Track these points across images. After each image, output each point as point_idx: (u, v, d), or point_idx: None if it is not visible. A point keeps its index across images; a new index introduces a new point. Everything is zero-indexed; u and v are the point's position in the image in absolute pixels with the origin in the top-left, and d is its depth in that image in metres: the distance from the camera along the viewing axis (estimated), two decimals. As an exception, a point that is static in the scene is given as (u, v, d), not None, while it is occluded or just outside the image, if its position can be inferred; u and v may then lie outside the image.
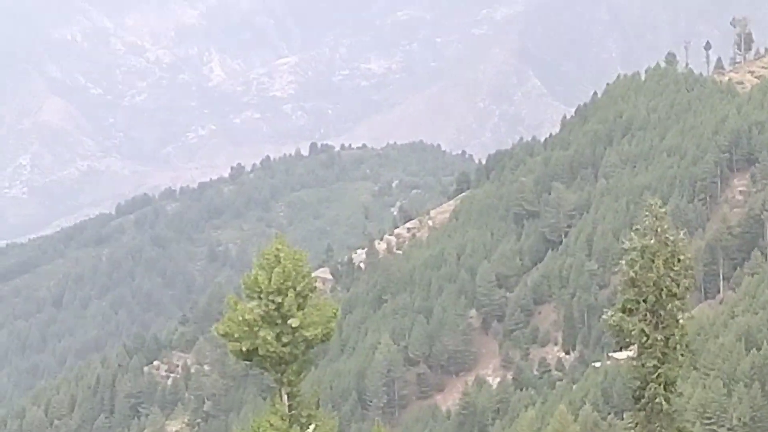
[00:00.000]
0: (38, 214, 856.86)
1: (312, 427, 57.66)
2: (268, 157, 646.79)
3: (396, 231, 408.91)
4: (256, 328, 55.79)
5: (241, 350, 55.76)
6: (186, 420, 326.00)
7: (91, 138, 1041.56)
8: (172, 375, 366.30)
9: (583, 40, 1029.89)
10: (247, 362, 57.68)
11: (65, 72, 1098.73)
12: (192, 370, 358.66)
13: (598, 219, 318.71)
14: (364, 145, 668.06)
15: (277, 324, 55.74)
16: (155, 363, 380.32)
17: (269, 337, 54.96)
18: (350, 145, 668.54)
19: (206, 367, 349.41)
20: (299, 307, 56.48)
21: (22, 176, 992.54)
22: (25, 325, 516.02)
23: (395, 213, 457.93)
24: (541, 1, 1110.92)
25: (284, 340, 56.09)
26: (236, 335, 55.90)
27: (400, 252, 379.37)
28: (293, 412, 58.18)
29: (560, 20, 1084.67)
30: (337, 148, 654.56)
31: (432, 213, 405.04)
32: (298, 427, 57.46)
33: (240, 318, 56.68)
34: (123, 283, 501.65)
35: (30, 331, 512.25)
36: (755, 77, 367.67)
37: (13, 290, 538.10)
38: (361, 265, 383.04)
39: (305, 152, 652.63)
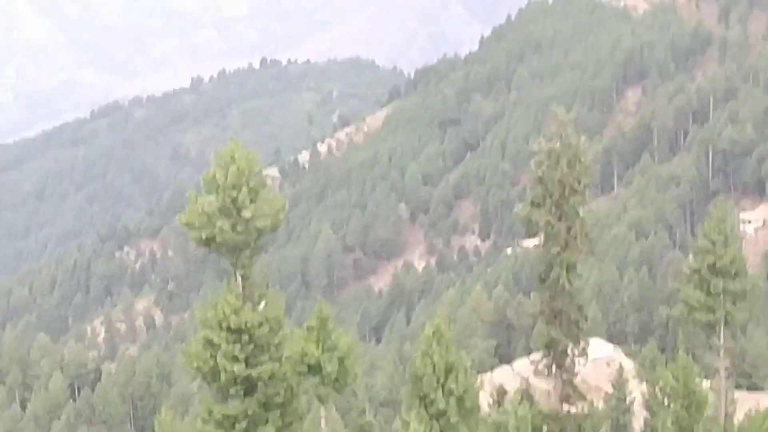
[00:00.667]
0: (22, 118, 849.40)
1: (263, 303, 58.25)
2: (224, 70, 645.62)
3: (336, 135, 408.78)
4: (214, 219, 56.48)
5: (200, 238, 56.52)
6: (152, 298, 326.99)
7: (69, 52, 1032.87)
8: (140, 259, 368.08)
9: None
10: (206, 248, 58.42)
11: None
12: (157, 255, 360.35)
13: (510, 126, 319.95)
14: (309, 61, 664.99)
15: (232, 215, 56.37)
16: (125, 249, 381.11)
17: (225, 227, 55.77)
18: (296, 60, 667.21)
19: (170, 253, 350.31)
20: (251, 201, 57.15)
21: (7, 85, 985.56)
22: (11, 215, 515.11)
23: (335, 120, 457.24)
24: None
25: (238, 229, 56.78)
26: (196, 225, 56.52)
27: (339, 154, 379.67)
28: (246, 291, 58.82)
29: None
30: (285, 63, 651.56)
31: (367, 120, 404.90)
32: (251, 304, 58.03)
33: (200, 210, 57.25)
34: (97, 179, 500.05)
35: (15, 221, 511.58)
36: (647, 3, 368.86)
37: (0, 185, 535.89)
38: (306, 165, 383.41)
39: (257, 66, 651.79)
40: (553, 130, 60.61)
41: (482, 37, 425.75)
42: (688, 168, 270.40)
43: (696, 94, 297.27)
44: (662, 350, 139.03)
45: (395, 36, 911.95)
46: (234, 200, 56.88)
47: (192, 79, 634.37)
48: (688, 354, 68.18)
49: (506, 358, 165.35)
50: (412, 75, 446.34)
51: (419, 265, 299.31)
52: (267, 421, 57.09)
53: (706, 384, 64.59)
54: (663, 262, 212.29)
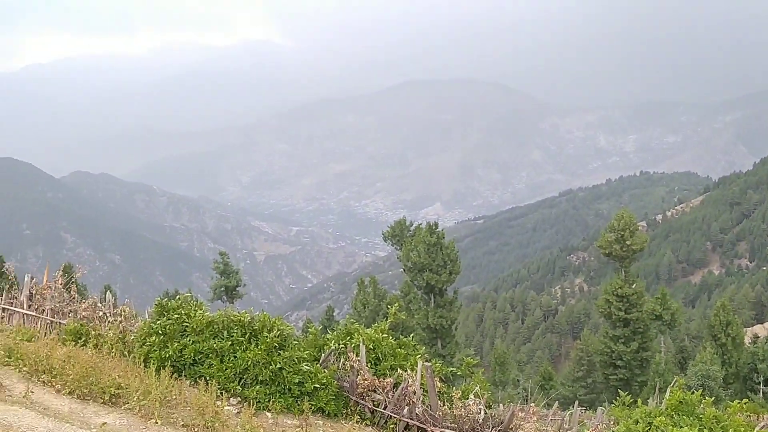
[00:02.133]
0: (520, 199, 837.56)
1: (634, 284, 55.81)
2: (621, 176, 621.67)
3: (675, 208, 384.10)
4: (612, 243, 54.63)
5: (605, 252, 55.16)
6: (582, 279, 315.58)
7: (551, 166, 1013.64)
8: (577, 261, 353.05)
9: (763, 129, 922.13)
10: (608, 257, 56.64)
11: (543, 142, 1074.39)
12: (586, 259, 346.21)
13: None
14: (663, 172, 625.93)
15: (621, 242, 54.19)
16: (572, 255, 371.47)
17: (617, 248, 53.94)
18: (658, 171, 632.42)
19: (592, 258, 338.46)
20: (630, 236, 54.74)
21: (523, 180, 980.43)
22: (522, 238, 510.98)
23: (676, 200, 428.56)
24: (750, 113, 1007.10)
25: (623, 249, 54.81)
26: (604, 246, 54.73)
27: (677, 216, 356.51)
28: (626, 278, 56.55)
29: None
30: (652, 173, 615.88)
31: (692, 201, 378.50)
32: (628, 284, 55.58)
33: (605, 241, 55.55)
34: (558, 225, 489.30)
35: (522, 243, 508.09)
36: None
37: (516, 225, 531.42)
38: (660, 221, 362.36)
39: (637, 174, 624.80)
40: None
41: (755, 163, 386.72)
42: None
43: None
44: None
45: (708, 161, 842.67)
46: (622, 235, 55.14)
47: (606, 179, 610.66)
48: None
49: (760, 321, 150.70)
50: (716, 180, 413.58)
51: (716, 272, 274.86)
52: (634, 340, 54.62)
53: None
54: None
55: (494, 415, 15.67)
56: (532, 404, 17.55)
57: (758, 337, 63.70)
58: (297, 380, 16.26)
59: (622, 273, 56.04)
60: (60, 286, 23.24)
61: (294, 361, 16.56)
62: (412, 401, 15.96)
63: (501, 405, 17.77)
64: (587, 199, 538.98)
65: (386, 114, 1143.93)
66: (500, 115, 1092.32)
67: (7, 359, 16.43)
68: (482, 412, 15.40)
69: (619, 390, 45.28)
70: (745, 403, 11.29)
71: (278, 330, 17.10)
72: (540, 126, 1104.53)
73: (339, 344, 18.43)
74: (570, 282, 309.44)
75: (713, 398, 9.88)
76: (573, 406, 19.35)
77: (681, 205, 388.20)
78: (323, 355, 17.91)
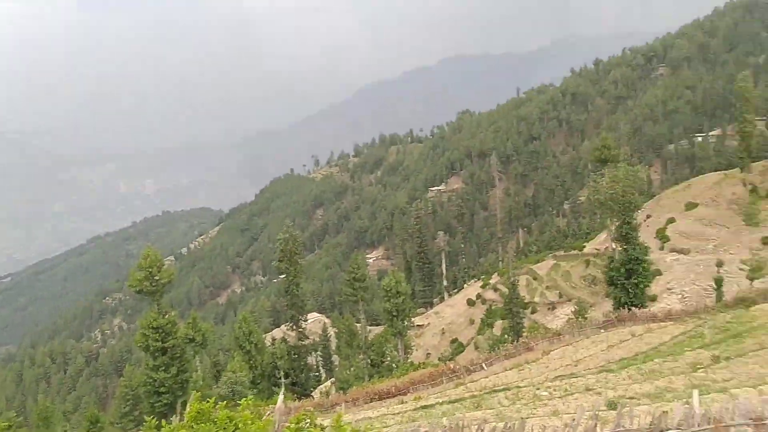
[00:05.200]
0: (49, 252, 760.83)
1: (168, 315, 54.78)
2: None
3: (197, 240, 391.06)
4: (142, 281, 53.02)
5: (136, 290, 52.92)
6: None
7: (80, 217, 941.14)
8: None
9: None
10: (140, 294, 55.01)
11: (64, 194, 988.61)
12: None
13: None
14: (183, 210, 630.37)
15: (150, 279, 53.14)
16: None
17: (146, 283, 52.22)
18: (179, 210, 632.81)
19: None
20: (158, 271, 53.90)
21: (47, 233, 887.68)
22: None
23: (196, 233, 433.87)
24: None
25: (154, 283, 53.48)
26: (134, 285, 52.92)
27: (200, 247, 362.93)
28: (160, 310, 55.36)
29: None
30: (172, 211, 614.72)
31: (211, 232, 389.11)
32: (162, 316, 54.65)
33: (135, 279, 53.85)
34: (96, 272, 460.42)
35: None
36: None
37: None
38: (185, 252, 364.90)
39: (159, 215, 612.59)
40: None
41: (255, 194, 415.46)
42: None
43: None
44: None
45: (220, 196, 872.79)
46: (150, 272, 54.06)
47: (132, 222, 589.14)
48: None
49: (277, 325, 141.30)
50: (227, 211, 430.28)
51: (238, 290, 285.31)
52: (173, 365, 53.83)
53: None
54: None
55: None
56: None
57: (275, 339, 69.70)
58: None
59: (155, 306, 55.48)
60: None
61: None
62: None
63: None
64: (116, 242, 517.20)
65: None
66: (14, 172, 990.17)
67: None
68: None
69: (165, 414, 44.82)
70: (258, 399, 12.41)
71: None
72: (59, 178, 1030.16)
73: None
74: (109, 323, 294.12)
75: (242, 400, 10.54)
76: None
77: (201, 237, 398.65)
78: None
